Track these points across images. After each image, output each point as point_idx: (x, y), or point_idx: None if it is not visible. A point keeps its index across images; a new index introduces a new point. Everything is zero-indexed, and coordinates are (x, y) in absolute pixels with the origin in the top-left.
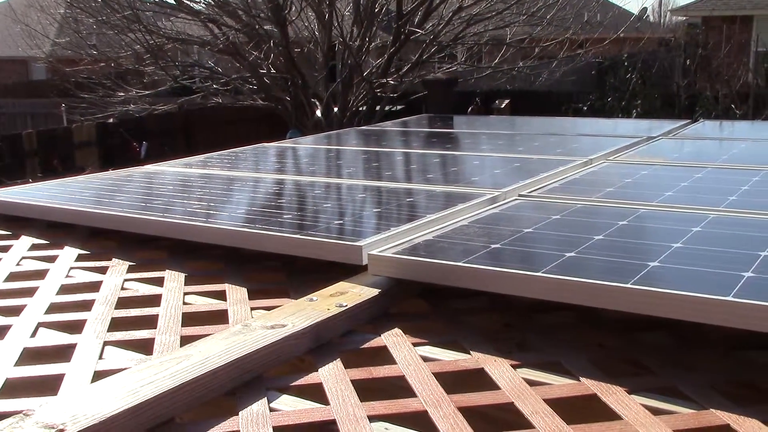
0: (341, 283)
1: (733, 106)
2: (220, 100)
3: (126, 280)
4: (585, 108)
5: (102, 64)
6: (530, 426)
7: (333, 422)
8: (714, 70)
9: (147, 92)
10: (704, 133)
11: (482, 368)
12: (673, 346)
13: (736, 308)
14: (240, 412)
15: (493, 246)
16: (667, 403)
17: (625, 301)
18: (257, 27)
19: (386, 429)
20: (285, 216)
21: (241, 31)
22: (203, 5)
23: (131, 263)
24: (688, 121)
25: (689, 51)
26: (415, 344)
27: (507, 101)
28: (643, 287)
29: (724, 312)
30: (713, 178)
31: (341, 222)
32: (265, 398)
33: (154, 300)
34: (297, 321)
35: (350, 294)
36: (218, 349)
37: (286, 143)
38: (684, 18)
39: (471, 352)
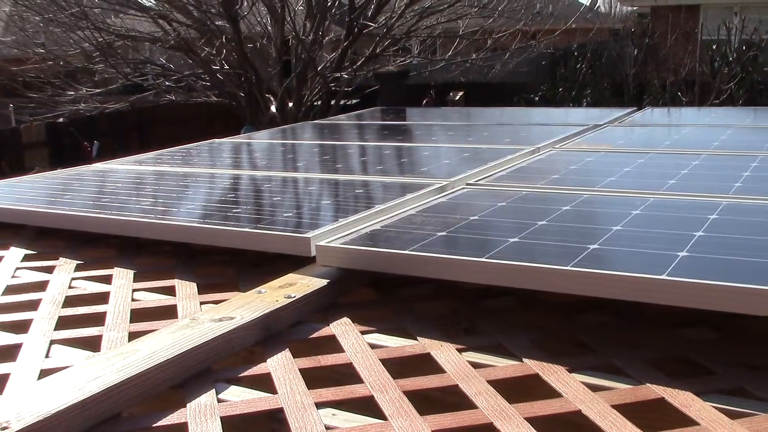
0: (290, 275)
1: (679, 93)
2: (173, 98)
3: (74, 278)
4: (536, 98)
5: (50, 62)
6: (474, 407)
7: (281, 410)
8: (661, 59)
9: (98, 91)
10: (649, 120)
11: (428, 353)
12: (613, 325)
13: (671, 287)
14: (188, 405)
15: (439, 234)
16: (605, 380)
17: (566, 283)
18: (208, 22)
19: (333, 415)
20: (235, 210)
21: (192, 27)
22: (152, 1)
23: (79, 262)
24: (634, 108)
25: (637, 40)
26: (363, 332)
27: (461, 93)
28: (582, 269)
29: (659, 290)
30: (655, 163)
31: (291, 215)
32: (214, 390)
33: (102, 297)
34: (245, 313)
35: (299, 285)
36: (166, 343)
37: (238, 138)
38: (634, 8)
39: (418, 338)
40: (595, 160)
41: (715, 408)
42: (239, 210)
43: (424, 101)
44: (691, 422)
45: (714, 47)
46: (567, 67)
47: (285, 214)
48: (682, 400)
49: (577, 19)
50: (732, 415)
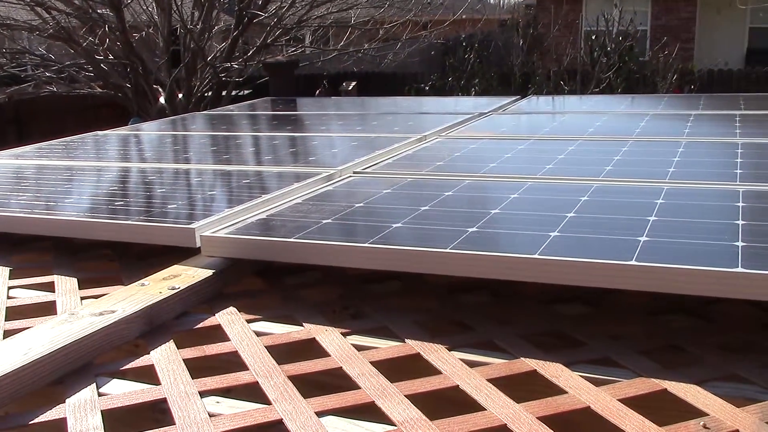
0: (175, 266)
1: (562, 82)
2: (55, 89)
3: None
4: (427, 87)
5: None
6: (357, 387)
7: (164, 401)
8: (545, 49)
9: None
10: (531, 108)
11: (314, 338)
12: (492, 304)
13: (542, 265)
14: (67, 400)
15: (324, 221)
16: (483, 356)
17: (446, 265)
18: (90, 11)
19: (217, 402)
20: (119, 203)
21: (72, 16)
22: None
23: None
24: (518, 97)
25: (522, 31)
26: (249, 320)
27: (354, 83)
28: (460, 251)
29: (531, 269)
30: (535, 148)
31: (176, 206)
32: (94, 384)
33: None
34: (127, 306)
35: (184, 276)
36: (43, 340)
37: (124, 130)
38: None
39: (304, 324)
40: (478, 147)
41: (583, 377)
42: (124, 203)
43: (318, 91)
44: (561, 391)
45: (593, 38)
46: (456, 57)
47: (170, 206)
48: (553, 371)
49: (466, 9)
50: (597, 383)
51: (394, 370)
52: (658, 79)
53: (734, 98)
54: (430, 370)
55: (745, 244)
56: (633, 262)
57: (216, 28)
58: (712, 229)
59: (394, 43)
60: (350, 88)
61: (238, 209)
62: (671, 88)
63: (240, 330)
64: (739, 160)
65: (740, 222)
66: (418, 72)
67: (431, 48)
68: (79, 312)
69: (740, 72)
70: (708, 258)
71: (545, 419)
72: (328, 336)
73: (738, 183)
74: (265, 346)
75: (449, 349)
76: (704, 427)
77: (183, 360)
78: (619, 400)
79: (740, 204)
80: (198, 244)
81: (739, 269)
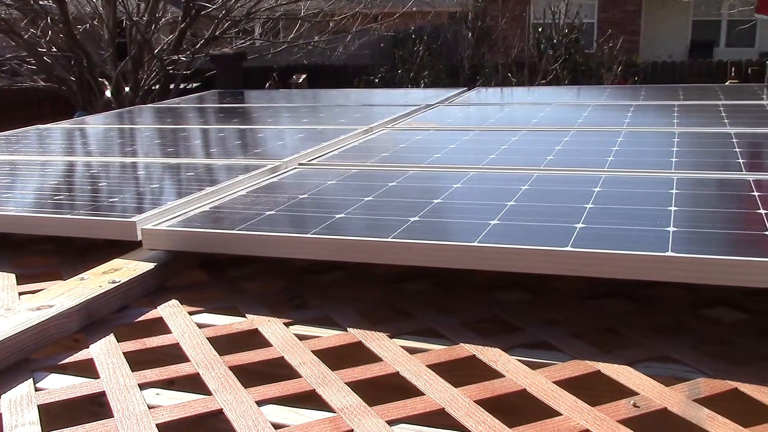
0: (116, 260)
1: (510, 74)
2: None
3: None
4: (376, 80)
5: None
6: (298, 376)
7: (102, 394)
8: (493, 42)
9: None
10: (477, 99)
11: (256, 329)
12: (433, 292)
13: (481, 252)
14: (2, 396)
15: (267, 213)
16: (424, 343)
17: (387, 255)
18: (32, 2)
19: (157, 394)
20: (59, 198)
21: (13, 7)
22: None
23: None
24: (465, 89)
25: (471, 24)
26: (191, 313)
27: (304, 76)
28: (401, 240)
29: (471, 256)
30: (479, 139)
31: (118, 200)
32: (31, 379)
33: None
34: (66, 301)
35: (125, 270)
36: None
37: (67, 124)
38: None
39: (247, 315)
40: (424, 138)
41: (520, 360)
42: (64, 197)
43: (267, 84)
44: (498, 375)
45: (540, 30)
46: (405, 49)
47: (112, 200)
48: (491, 355)
49: (416, 2)
50: (533, 366)
51: (336, 358)
52: (603, 71)
53: (674, 89)
54: (372, 358)
55: (676, 229)
56: (568, 248)
57: (163, 20)
58: (645, 216)
59: (344, 36)
60: (300, 80)
61: (181, 202)
62: (616, 80)
63: (182, 322)
64: (675, 149)
65: (673, 208)
66: (368, 64)
67: (381, 40)
68: (16, 307)
69: (683, 64)
70: (640, 243)
71: (482, 402)
72: (271, 326)
73: (673, 171)
74: (207, 338)
75: (390, 337)
76: (634, 405)
77: (123, 353)
78: (554, 382)
79: (674, 191)
80: (139, 238)
81: (669, 253)
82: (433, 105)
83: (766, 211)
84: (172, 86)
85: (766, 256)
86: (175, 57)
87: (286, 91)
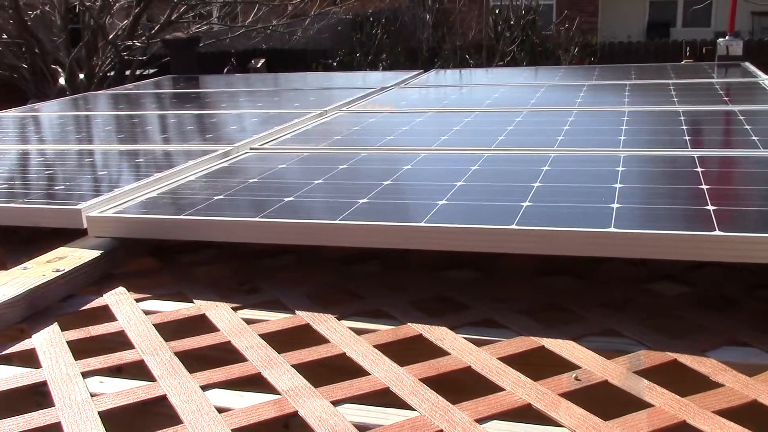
0: (61, 248)
1: (467, 56)
2: None
3: None
4: (334, 63)
5: None
6: (245, 360)
7: (44, 383)
8: (451, 24)
9: None
10: (433, 81)
11: (204, 314)
12: (382, 273)
13: (428, 232)
14: None
15: (216, 198)
16: (372, 324)
17: (335, 237)
18: None
19: (101, 382)
20: (4, 186)
21: None
22: None
23: None
24: (422, 71)
25: (429, 6)
26: (138, 300)
27: (263, 60)
28: (349, 222)
29: (418, 237)
30: (432, 121)
31: (65, 187)
32: None
33: None
34: (8, 290)
35: (70, 258)
36: None
37: (15, 111)
38: None
39: (195, 300)
40: (377, 121)
41: (466, 338)
42: (9, 185)
43: (226, 69)
44: (444, 353)
45: (497, 12)
46: (364, 32)
47: (58, 187)
48: (438, 334)
49: None
50: (479, 343)
51: (285, 341)
52: (560, 52)
53: (626, 69)
54: (320, 340)
55: (620, 205)
56: (513, 227)
57: (117, 4)
58: (591, 193)
59: (302, 19)
60: (259, 65)
61: (128, 188)
62: (573, 61)
63: (128, 309)
64: (624, 127)
65: (618, 185)
66: (327, 48)
67: (340, 24)
68: None
69: (639, 44)
70: (585, 220)
71: (427, 380)
72: (219, 311)
73: (620, 149)
74: (154, 324)
75: (339, 319)
76: (576, 378)
77: (67, 342)
78: (498, 358)
79: (620, 168)
80: (85, 225)
81: (612, 229)
82: (388, 87)
83: (708, 187)
84: (128, 72)
85: (706, 230)
86: (130, 43)
87: (242, 75)
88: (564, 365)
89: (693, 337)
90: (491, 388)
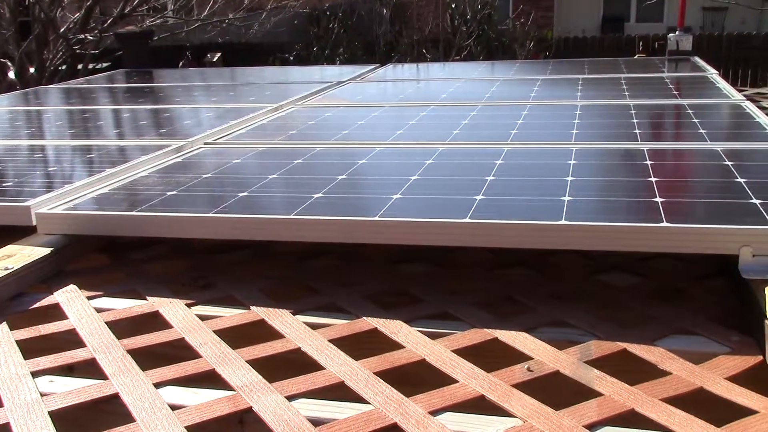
0: (9, 246)
1: (424, 51)
2: None
3: None
4: (291, 57)
5: None
6: (198, 356)
7: None
8: (408, 18)
9: None
10: (391, 75)
11: (157, 311)
12: (338, 267)
13: (381, 226)
14: None
15: (169, 193)
16: (327, 318)
17: (288, 231)
18: None
19: (51, 381)
20: None
21: None
22: None
23: None
24: (378, 65)
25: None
26: (90, 297)
27: (219, 54)
28: (304, 216)
29: (372, 230)
30: (388, 115)
31: (13, 184)
32: None
33: None
34: None
35: (19, 256)
36: None
37: None
38: None
39: (148, 297)
40: (332, 115)
41: (420, 331)
42: None
43: (181, 63)
44: (399, 346)
45: (453, 6)
46: (321, 26)
47: (6, 184)
48: (392, 327)
49: None
50: (433, 336)
51: (239, 337)
52: (516, 47)
53: (580, 63)
54: (274, 335)
55: (571, 198)
56: (466, 220)
57: None
58: (543, 186)
59: (259, 13)
60: (215, 59)
61: (79, 184)
62: (529, 55)
63: (79, 307)
64: (576, 121)
65: (569, 178)
66: (284, 42)
67: (297, 17)
68: None
69: (594, 39)
70: (536, 213)
71: (382, 374)
72: (173, 308)
73: (573, 142)
74: (106, 322)
75: (294, 314)
76: (528, 369)
77: (16, 341)
78: (452, 350)
79: (572, 162)
80: (34, 222)
81: (563, 222)
82: (344, 82)
83: (657, 179)
84: (80, 67)
85: (655, 222)
86: (82, 36)
87: (197, 69)
88: (517, 356)
89: (642, 326)
90: (445, 380)
